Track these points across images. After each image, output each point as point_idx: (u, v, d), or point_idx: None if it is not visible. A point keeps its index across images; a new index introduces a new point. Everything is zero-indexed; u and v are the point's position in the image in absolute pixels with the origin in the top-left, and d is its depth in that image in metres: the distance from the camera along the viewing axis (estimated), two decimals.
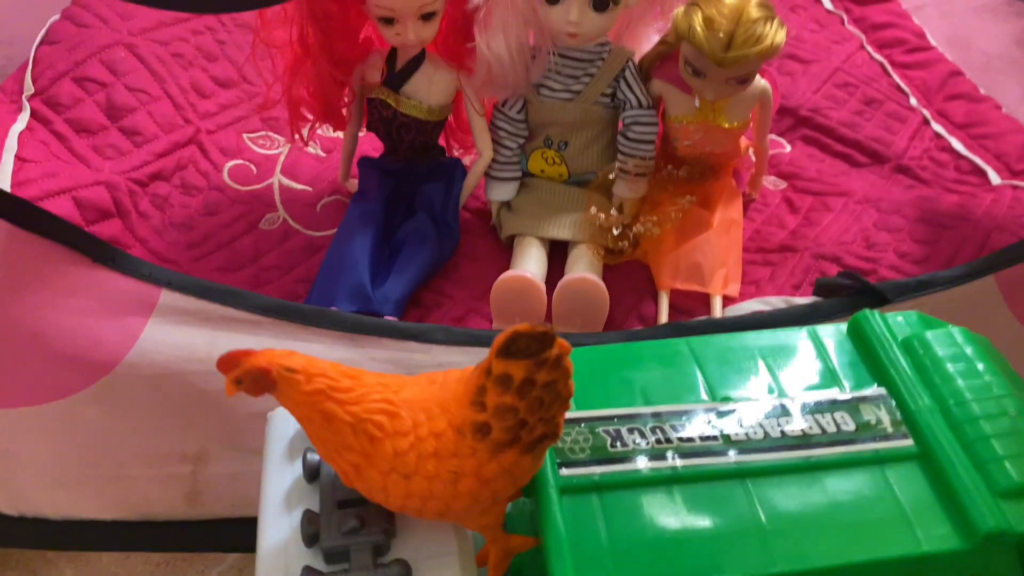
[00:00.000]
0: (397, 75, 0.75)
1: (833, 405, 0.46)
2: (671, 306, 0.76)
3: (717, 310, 0.74)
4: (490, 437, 0.40)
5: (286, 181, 0.88)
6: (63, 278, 0.54)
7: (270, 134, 0.92)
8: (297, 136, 0.81)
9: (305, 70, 0.75)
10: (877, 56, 1.11)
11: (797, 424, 0.45)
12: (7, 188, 0.77)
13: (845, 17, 1.18)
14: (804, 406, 0.46)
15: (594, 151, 0.80)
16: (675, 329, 0.65)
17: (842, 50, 1.10)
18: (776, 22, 0.68)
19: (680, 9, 0.70)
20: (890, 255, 0.80)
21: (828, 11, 1.19)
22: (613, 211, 0.77)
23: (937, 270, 0.77)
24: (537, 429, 0.40)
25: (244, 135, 0.92)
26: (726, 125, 0.76)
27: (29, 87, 0.87)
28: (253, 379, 0.39)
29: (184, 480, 0.61)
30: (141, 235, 0.80)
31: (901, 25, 1.15)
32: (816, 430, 0.44)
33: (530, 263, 0.75)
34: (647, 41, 0.80)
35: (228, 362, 0.39)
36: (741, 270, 0.79)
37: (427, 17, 0.70)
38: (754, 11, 0.67)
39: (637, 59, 0.78)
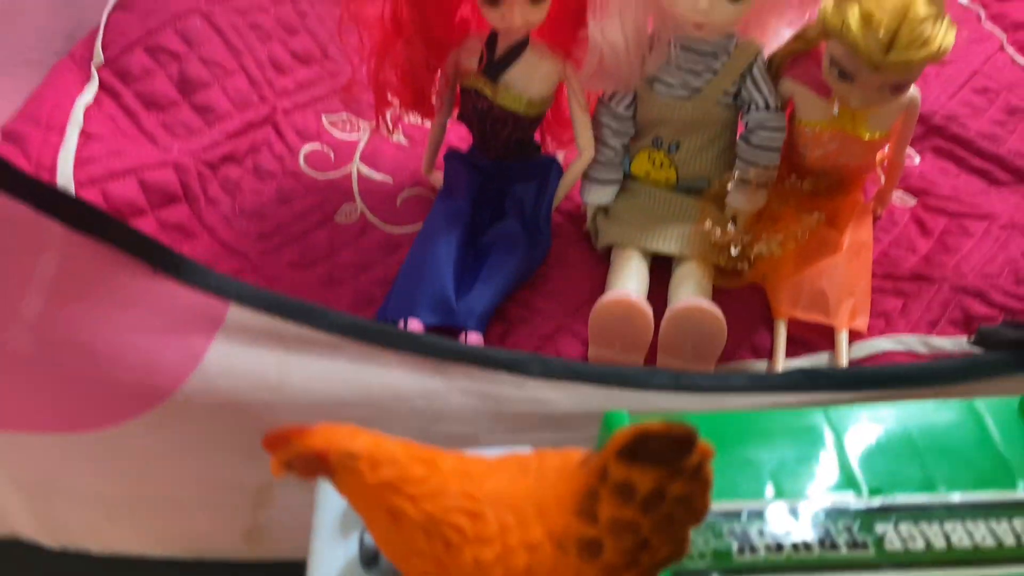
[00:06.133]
0: (496, 63, 0.68)
1: (1009, 510, 0.37)
2: (788, 337, 0.67)
3: (843, 347, 0.65)
4: (601, 558, 0.32)
5: (365, 170, 0.81)
6: (120, 289, 0.48)
7: (351, 117, 0.85)
8: (381, 123, 0.73)
9: (395, 52, 0.68)
10: (1020, 59, 0.99)
11: (965, 534, 0.37)
12: (70, 165, 0.71)
13: (983, 14, 1.06)
14: (973, 509, 0.37)
15: (709, 155, 0.71)
16: (809, 377, 0.56)
17: (980, 51, 0.98)
18: (946, 22, 0.58)
19: (830, 1, 0.60)
20: None
21: (963, 6, 1.07)
22: (730, 226, 0.68)
23: None
24: (662, 550, 0.32)
25: (323, 116, 0.85)
26: (867, 136, 0.67)
27: (99, 56, 0.81)
28: (306, 463, 0.33)
29: (244, 516, 0.55)
30: (209, 223, 0.74)
31: None
32: (990, 542, 0.36)
33: (631, 280, 0.67)
34: (776, 36, 0.70)
35: (277, 440, 0.32)
36: (870, 301, 0.70)
37: None
38: (921, 8, 0.57)
39: (766, 54, 0.69)
